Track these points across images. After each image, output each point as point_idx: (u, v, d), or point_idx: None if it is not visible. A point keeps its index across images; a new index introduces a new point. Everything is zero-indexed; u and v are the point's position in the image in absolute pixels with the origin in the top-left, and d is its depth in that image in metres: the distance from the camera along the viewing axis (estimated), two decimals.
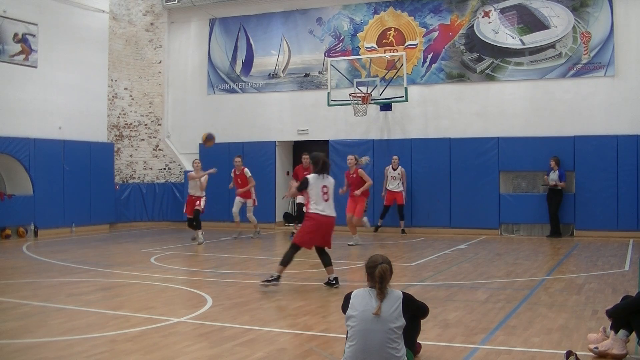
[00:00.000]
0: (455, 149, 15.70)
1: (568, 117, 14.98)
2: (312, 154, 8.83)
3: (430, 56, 16.26)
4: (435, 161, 15.80)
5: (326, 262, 8.39)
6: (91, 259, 11.13)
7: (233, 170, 14.63)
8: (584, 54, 14.89)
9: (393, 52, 16.41)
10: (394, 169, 15.38)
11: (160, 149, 19.10)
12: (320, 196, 8.31)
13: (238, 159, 14.55)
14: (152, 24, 19.02)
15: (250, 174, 14.42)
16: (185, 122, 18.98)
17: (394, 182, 15.32)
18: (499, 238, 14.76)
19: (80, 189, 16.33)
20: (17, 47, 15.13)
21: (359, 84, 16.18)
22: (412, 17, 16.47)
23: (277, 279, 8.17)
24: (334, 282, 8.29)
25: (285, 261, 8.21)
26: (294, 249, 8.30)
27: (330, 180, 8.47)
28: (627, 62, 14.63)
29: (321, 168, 8.40)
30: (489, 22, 15.73)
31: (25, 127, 15.12)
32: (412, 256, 11.51)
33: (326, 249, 8.46)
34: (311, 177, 8.37)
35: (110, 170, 17.48)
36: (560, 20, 15.11)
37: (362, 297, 4.42)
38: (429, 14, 16.31)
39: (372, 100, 15.88)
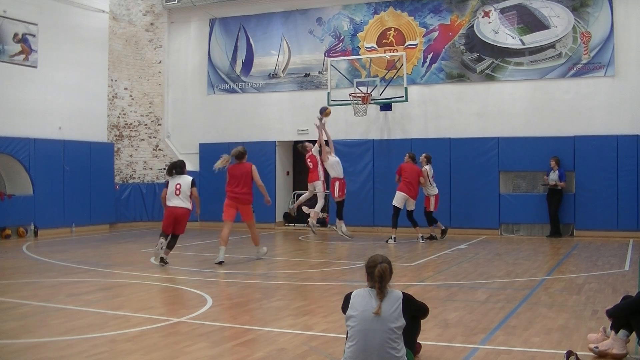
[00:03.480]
0: (455, 149, 15.70)
1: (568, 117, 14.98)
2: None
3: (430, 56, 16.26)
4: (435, 161, 15.76)
5: (170, 245, 10.39)
6: (91, 259, 11.13)
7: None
8: (584, 54, 14.89)
9: (393, 52, 16.42)
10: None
11: (160, 149, 19.10)
12: (172, 192, 10.26)
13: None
14: (152, 24, 19.02)
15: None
16: (185, 122, 18.99)
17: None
18: (499, 238, 14.76)
19: (80, 189, 16.32)
20: (17, 47, 15.13)
21: (359, 84, 16.19)
22: (412, 17, 16.47)
23: (162, 259, 10.25)
24: (163, 262, 10.26)
25: (170, 245, 10.37)
26: (162, 235, 10.30)
27: (184, 180, 10.34)
28: (627, 62, 14.63)
29: (169, 171, 10.52)
30: (489, 22, 15.73)
31: (25, 127, 15.13)
32: (412, 256, 11.51)
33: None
34: (170, 179, 10.48)
35: (110, 170, 17.47)
36: (560, 20, 15.12)
37: (362, 297, 4.42)
38: (429, 14, 16.31)
39: (372, 100, 15.89)
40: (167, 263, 10.23)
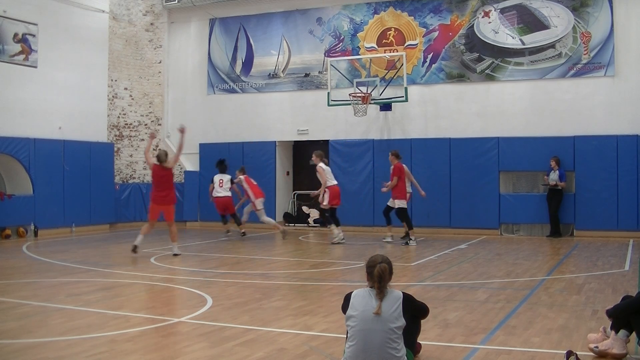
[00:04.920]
0: (455, 149, 15.70)
1: (568, 117, 14.98)
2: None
3: (430, 56, 16.26)
4: (435, 161, 15.80)
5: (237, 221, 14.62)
6: (91, 259, 11.13)
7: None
8: (584, 54, 14.89)
9: (393, 52, 16.41)
10: None
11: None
12: (217, 185, 14.69)
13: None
14: (152, 24, 19.02)
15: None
16: (185, 122, 18.86)
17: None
18: (499, 238, 14.76)
19: (80, 189, 16.31)
20: (17, 47, 15.12)
21: (359, 84, 16.18)
22: (412, 17, 16.47)
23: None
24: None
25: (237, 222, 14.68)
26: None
27: (225, 176, 14.75)
28: (627, 62, 14.63)
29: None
30: (489, 22, 15.73)
31: (25, 127, 15.12)
32: (412, 256, 11.51)
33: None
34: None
35: (110, 170, 17.47)
36: (560, 20, 15.11)
37: (362, 297, 4.42)
38: (429, 14, 16.31)
39: (372, 100, 15.88)
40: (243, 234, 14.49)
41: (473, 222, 15.44)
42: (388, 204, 13.51)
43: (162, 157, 11.61)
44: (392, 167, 13.33)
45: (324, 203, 13.55)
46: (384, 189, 13.55)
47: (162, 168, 11.52)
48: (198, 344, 5.54)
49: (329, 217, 13.77)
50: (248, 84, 18.25)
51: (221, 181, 14.70)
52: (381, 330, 4.28)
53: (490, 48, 15.70)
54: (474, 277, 9.10)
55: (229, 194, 14.69)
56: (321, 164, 13.60)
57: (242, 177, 14.59)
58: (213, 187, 14.78)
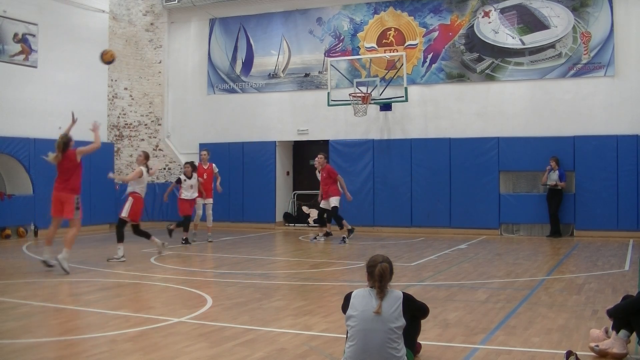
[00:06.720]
0: (455, 149, 15.70)
1: (568, 117, 14.98)
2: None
3: (430, 56, 16.26)
4: (435, 161, 15.81)
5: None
6: (91, 259, 11.15)
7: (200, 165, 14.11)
8: (584, 54, 14.89)
9: (393, 52, 16.41)
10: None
11: (160, 149, 19.09)
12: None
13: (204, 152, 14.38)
14: (152, 24, 19.02)
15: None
16: (185, 122, 18.98)
17: None
18: (499, 238, 14.76)
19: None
20: (17, 47, 15.12)
21: (359, 84, 16.19)
22: (412, 17, 16.47)
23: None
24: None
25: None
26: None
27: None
28: (627, 62, 14.63)
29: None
30: (489, 22, 15.73)
31: (25, 127, 15.12)
32: (412, 256, 11.51)
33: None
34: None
35: (110, 170, 17.42)
36: (560, 20, 15.12)
37: (363, 296, 4.42)
38: (429, 14, 16.31)
39: (372, 100, 15.88)
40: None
41: (473, 222, 15.44)
42: (321, 206, 13.92)
43: (60, 144, 10.39)
44: (323, 169, 13.79)
45: (123, 215, 11.41)
46: (321, 198, 13.99)
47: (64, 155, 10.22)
48: (198, 344, 5.54)
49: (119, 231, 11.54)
50: (248, 84, 18.25)
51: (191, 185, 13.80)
52: (381, 330, 4.28)
53: (490, 48, 15.70)
54: (474, 277, 9.10)
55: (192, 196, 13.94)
56: (141, 167, 11.62)
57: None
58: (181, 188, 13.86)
